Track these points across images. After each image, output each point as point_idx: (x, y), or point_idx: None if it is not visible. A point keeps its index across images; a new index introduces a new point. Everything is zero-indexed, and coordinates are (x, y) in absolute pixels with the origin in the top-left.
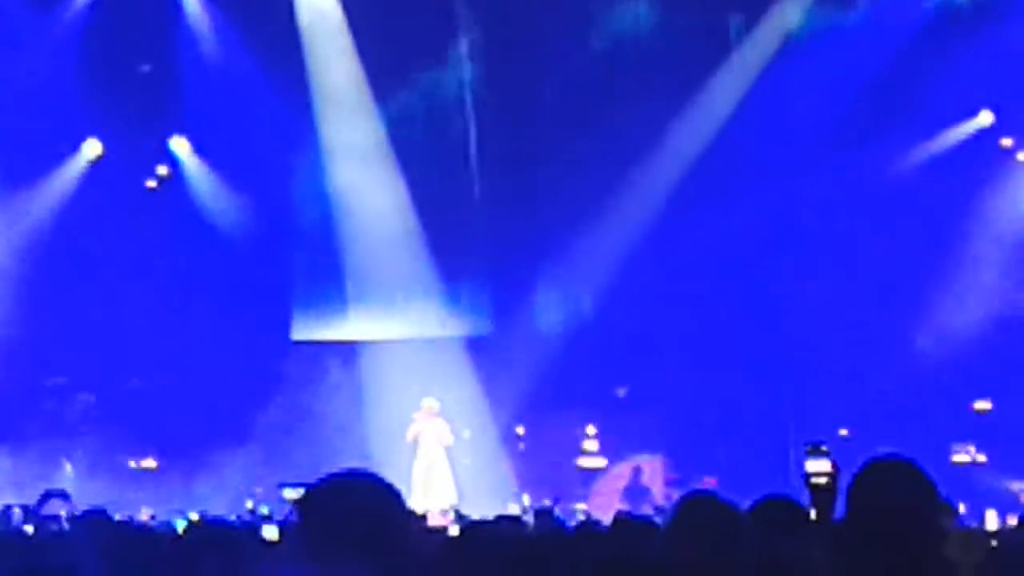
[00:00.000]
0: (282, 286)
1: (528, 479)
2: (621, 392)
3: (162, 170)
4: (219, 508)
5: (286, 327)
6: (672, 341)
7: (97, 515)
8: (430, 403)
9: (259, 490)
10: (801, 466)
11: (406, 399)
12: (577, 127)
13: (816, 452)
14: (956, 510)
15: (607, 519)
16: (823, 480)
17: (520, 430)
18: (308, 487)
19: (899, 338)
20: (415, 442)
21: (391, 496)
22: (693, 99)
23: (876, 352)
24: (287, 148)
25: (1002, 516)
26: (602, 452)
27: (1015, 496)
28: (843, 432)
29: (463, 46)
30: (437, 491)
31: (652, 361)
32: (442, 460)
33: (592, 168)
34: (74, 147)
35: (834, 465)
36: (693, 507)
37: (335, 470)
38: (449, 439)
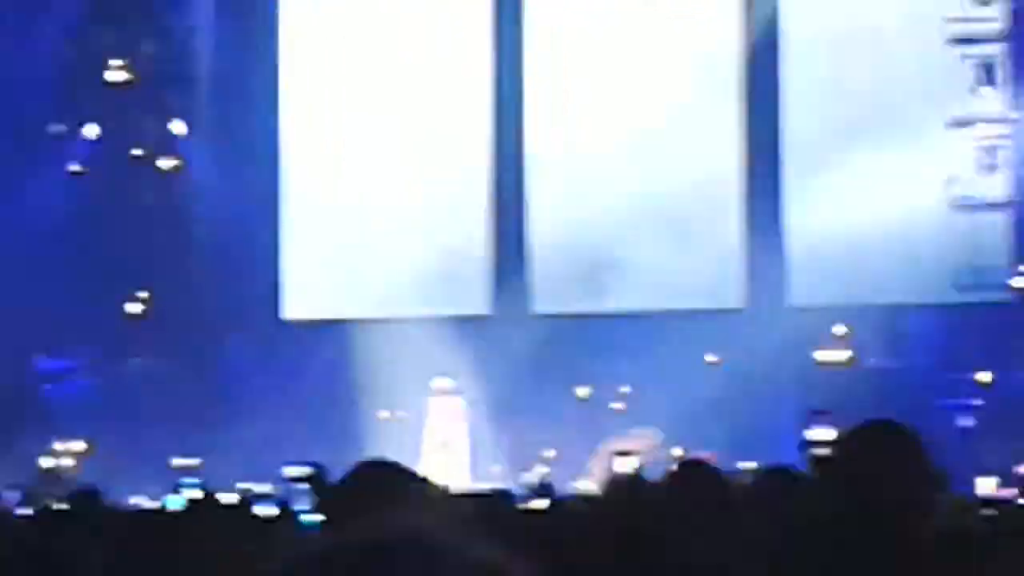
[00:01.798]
0: (271, 265)
1: (523, 457)
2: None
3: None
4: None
5: (276, 306)
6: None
7: (88, 496)
8: (442, 382)
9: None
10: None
11: (401, 378)
12: None
13: (817, 420)
14: (948, 479)
15: None
16: (824, 450)
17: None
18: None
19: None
20: (428, 418)
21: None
22: None
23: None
24: (277, 125)
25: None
26: (597, 429)
27: None
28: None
29: None
30: (449, 472)
31: (652, 335)
32: (458, 439)
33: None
34: (72, 129)
35: (835, 434)
36: (686, 472)
37: (347, 457)
38: (463, 418)
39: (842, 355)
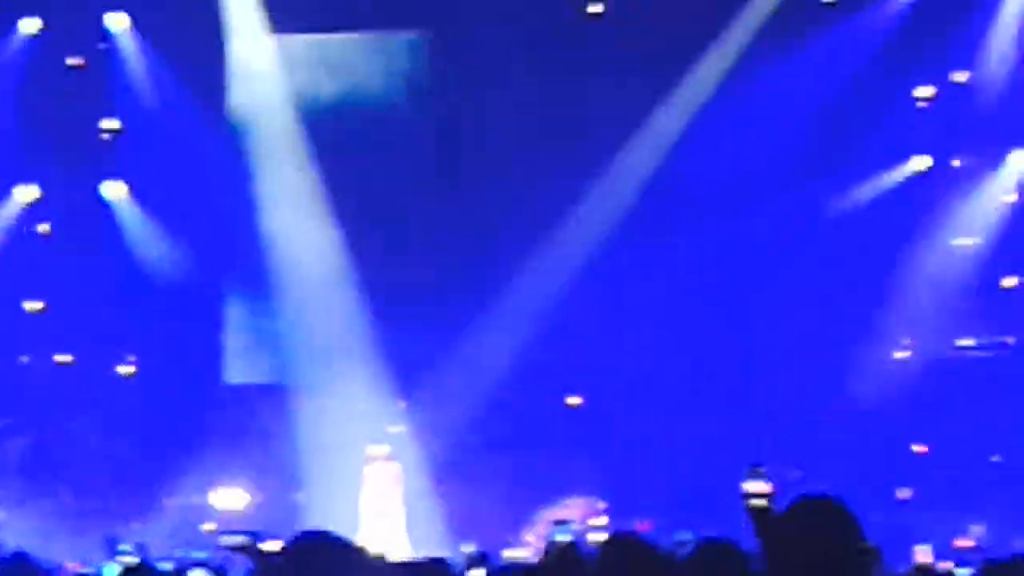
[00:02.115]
0: (215, 329)
1: (460, 524)
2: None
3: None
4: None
5: (219, 370)
6: (613, 380)
7: (18, 560)
8: (378, 449)
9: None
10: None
11: (342, 442)
12: (517, 164)
13: (755, 474)
14: (882, 554)
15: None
16: (762, 502)
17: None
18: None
19: (837, 378)
20: (364, 487)
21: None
22: (636, 133)
23: (815, 393)
24: (221, 191)
25: (938, 557)
26: (538, 498)
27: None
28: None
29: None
30: (387, 540)
31: (592, 401)
32: (396, 507)
33: (529, 206)
34: (6, 191)
35: (772, 487)
36: (617, 547)
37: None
38: (399, 485)
39: None
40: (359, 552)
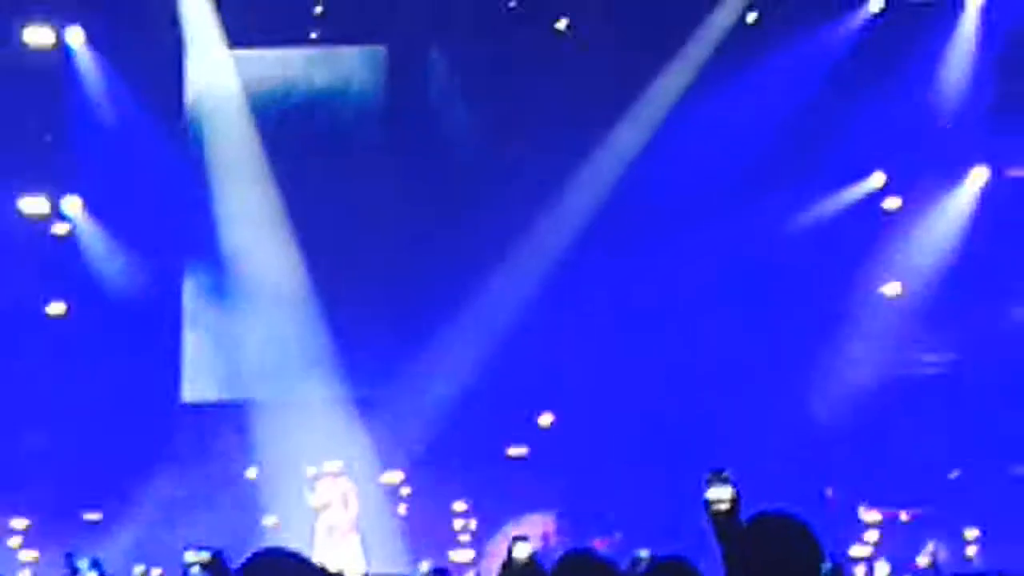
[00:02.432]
0: (173, 347)
1: (415, 542)
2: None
3: (60, 229)
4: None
5: (176, 388)
6: (567, 399)
7: None
8: (331, 465)
9: None
10: (698, 526)
11: (300, 460)
12: (478, 178)
13: (717, 480)
14: (842, 569)
15: None
16: (724, 507)
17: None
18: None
19: (792, 400)
20: (318, 505)
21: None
22: (597, 147)
23: (770, 414)
24: (178, 206)
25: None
26: (495, 513)
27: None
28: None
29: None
30: (342, 556)
31: (555, 416)
32: (349, 524)
33: (489, 223)
34: None
35: (736, 493)
36: (572, 564)
37: (252, 545)
38: (355, 502)
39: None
40: (317, 571)
